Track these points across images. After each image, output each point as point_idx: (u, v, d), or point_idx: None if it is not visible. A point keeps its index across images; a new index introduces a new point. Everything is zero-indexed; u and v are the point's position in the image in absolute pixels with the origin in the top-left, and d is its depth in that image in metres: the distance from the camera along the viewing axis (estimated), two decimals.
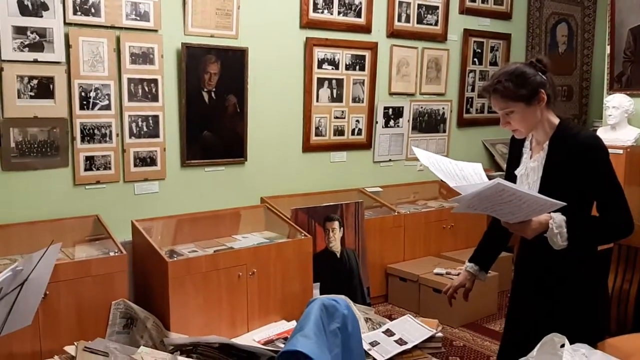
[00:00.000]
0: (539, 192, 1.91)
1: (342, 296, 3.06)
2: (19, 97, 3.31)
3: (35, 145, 3.43)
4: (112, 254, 3.31)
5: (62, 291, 3.07)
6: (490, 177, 1.89)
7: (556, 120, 2.03)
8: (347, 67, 4.64)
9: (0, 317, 1.59)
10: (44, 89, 3.38)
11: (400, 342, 3.34)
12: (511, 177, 2.14)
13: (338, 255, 4.08)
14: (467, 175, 1.93)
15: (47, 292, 3.01)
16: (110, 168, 3.71)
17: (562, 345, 1.78)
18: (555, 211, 1.85)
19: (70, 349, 2.64)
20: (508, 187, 1.70)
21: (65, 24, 3.41)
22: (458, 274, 2.43)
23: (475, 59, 5.50)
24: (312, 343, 1.76)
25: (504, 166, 3.06)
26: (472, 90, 5.52)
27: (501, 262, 3.16)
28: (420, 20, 4.99)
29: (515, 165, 2.16)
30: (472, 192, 1.71)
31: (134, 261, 3.49)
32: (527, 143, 2.13)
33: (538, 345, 1.82)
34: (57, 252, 1.83)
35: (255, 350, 2.83)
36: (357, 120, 4.81)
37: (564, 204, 1.78)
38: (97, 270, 3.19)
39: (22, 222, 3.41)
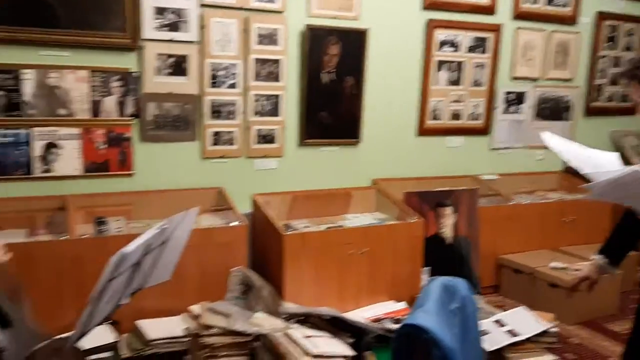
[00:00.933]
0: None
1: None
2: (157, 73, 3.58)
3: (169, 120, 3.69)
4: (233, 224, 3.52)
5: (188, 255, 3.22)
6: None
7: None
8: (468, 50, 4.52)
9: (145, 271, 1.76)
10: (178, 67, 3.63)
11: (512, 333, 3.25)
12: None
13: (449, 241, 4.04)
14: (602, 164, 1.83)
15: None
16: (233, 144, 3.92)
17: None
18: None
19: (194, 308, 2.86)
20: None
21: (200, 5, 3.62)
22: (577, 270, 2.33)
23: (608, 44, 5.13)
24: (433, 319, 1.78)
25: (635, 160, 2.87)
26: (603, 77, 5.16)
27: (626, 260, 2.96)
28: (549, 1, 4.74)
29: None
30: (608, 178, 1.63)
31: (253, 232, 3.67)
32: None
33: None
34: (195, 215, 1.98)
35: (365, 326, 2.89)
36: (476, 105, 4.68)
37: None
38: (220, 238, 3.41)
39: (154, 190, 3.71)
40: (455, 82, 4.56)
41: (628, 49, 5.21)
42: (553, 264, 4.00)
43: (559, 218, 4.46)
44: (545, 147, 2.28)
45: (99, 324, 1.74)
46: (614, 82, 5.12)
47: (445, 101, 4.55)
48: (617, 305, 3.97)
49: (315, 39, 3.95)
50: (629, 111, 1.98)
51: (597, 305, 3.78)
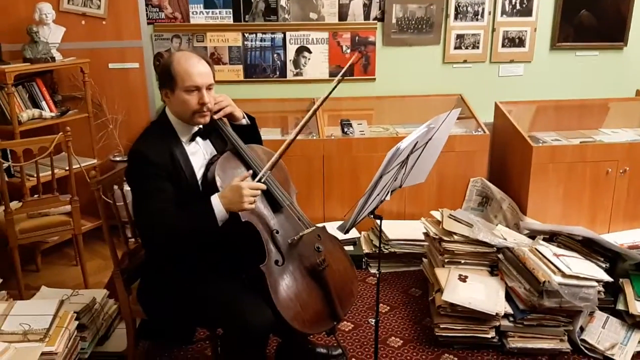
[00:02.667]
0: None
1: None
2: None
3: (413, 22, 3.59)
4: (474, 133, 3.37)
5: None
6: None
7: None
8: None
9: (406, 170, 1.76)
10: None
11: None
12: None
13: None
14: None
15: None
16: (478, 47, 3.68)
17: None
18: None
19: (435, 214, 2.86)
20: None
21: None
22: None
23: None
24: None
25: None
26: None
27: None
28: None
29: None
30: None
31: (493, 142, 3.49)
32: None
33: None
34: (456, 117, 1.90)
35: (623, 252, 2.59)
36: None
37: None
38: (460, 146, 3.30)
39: (394, 96, 3.71)
40: None
41: None
42: None
43: None
44: None
45: (365, 216, 1.82)
46: None
47: None
48: None
49: None
50: None
51: None
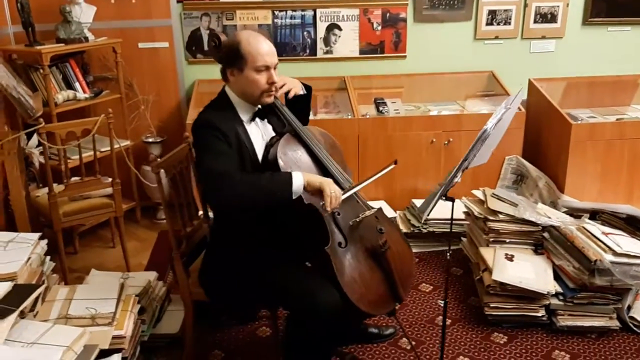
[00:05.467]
0: None
1: None
2: None
3: None
4: None
5: (462, 140, 3.26)
6: None
7: None
8: None
9: (475, 152, 1.75)
10: None
11: None
12: None
13: None
14: None
15: (451, 139, 3.27)
16: (510, 23, 3.64)
17: None
18: None
19: (477, 193, 2.85)
20: None
21: None
22: None
23: None
24: None
25: None
26: None
27: None
28: None
29: None
30: None
31: (527, 120, 3.47)
32: None
33: None
34: (521, 99, 1.88)
35: None
36: None
37: None
38: None
39: (425, 73, 3.67)
40: None
41: None
42: None
43: None
44: None
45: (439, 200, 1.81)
46: None
47: None
48: None
49: None
50: None
51: None
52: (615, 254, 2.32)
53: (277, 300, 1.87)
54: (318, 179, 1.77)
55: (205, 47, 3.48)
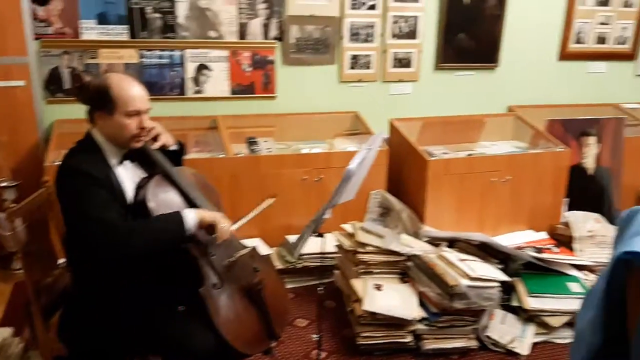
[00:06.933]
0: None
1: None
2: None
3: (310, 42, 3.71)
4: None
5: (332, 176, 3.40)
6: None
7: None
8: None
9: (341, 189, 1.85)
10: None
11: None
12: None
13: (590, 172, 3.88)
14: None
15: (322, 176, 3.39)
16: (370, 67, 3.90)
17: None
18: None
19: (346, 227, 2.98)
20: None
21: None
22: None
23: None
24: None
25: None
26: None
27: None
28: None
29: None
30: None
31: (390, 156, 3.70)
32: None
33: None
34: (380, 141, 2.02)
35: (514, 253, 2.89)
36: (624, 27, 4.34)
37: None
38: None
39: (294, 113, 3.80)
40: (605, 2, 4.22)
41: None
42: None
43: None
44: None
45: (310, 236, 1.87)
46: None
47: (591, 23, 4.24)
48: None
49: None
50: None
51: None
52: (470, 278, 2.53)
53: (149, 347, 1.81)
54: (209, 213, 1.80)
55: (65, 86, 3.33)
